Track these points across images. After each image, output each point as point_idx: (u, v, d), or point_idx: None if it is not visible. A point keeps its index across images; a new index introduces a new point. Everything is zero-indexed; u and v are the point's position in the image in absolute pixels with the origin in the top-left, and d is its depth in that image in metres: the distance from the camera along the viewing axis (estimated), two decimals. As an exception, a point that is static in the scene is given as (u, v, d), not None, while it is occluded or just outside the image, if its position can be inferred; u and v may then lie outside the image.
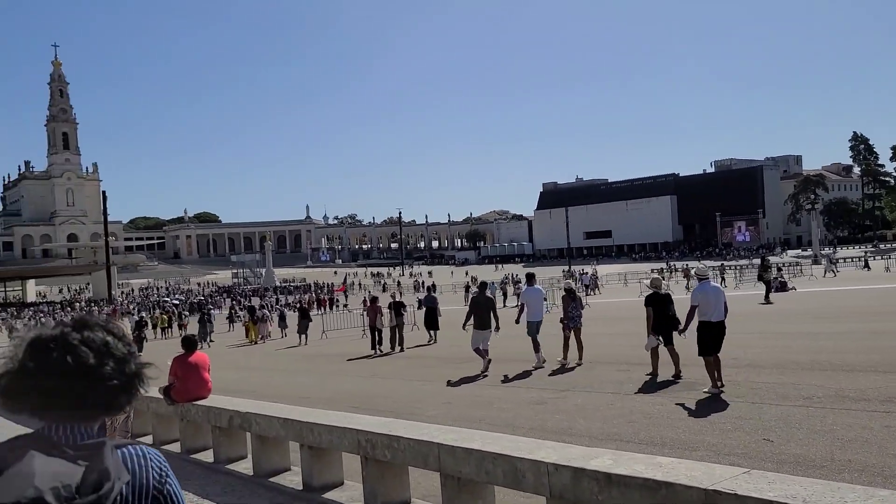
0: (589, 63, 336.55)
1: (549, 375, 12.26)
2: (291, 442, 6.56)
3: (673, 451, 6.52)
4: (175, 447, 8.51)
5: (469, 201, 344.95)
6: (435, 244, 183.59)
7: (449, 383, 12.38)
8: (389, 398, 11.67)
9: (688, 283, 37.18)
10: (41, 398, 1.40)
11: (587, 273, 59.51)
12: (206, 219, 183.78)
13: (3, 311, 69.06)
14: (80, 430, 1.44)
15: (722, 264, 66.65)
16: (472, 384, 12.24)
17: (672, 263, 79.18)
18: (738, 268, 58.93)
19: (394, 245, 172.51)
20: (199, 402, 7.58)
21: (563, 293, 14.06)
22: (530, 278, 14.67)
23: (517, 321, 13.69)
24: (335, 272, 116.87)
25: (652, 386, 10.40)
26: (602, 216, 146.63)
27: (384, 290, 66.37)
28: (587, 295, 41.88)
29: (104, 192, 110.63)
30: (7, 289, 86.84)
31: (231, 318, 44.73)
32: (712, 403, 8.77)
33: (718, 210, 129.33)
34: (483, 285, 15.81)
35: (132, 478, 1.43)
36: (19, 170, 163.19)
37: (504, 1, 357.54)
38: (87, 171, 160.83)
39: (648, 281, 12.25)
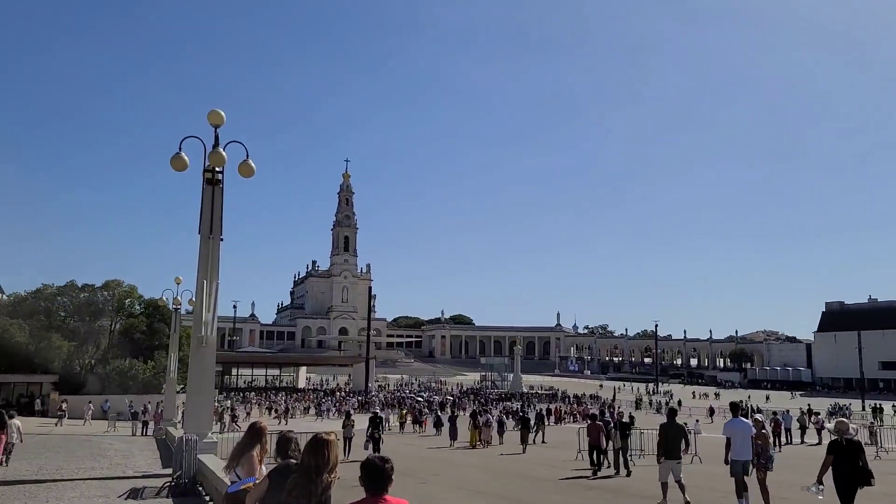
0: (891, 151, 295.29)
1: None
2: None
3: None
4: None
5: (733, 318, 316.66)
6: (693, 362, 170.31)
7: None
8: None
9: None
10: None
11: None
12: (460, 321, 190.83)
13: (273, 395, 75.17)
14: None
15: None
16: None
17: None
18: None
19: (647, 360, 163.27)
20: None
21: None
22: (734, 409, 13.38)
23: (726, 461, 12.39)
24: (600, 385, 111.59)
25: None
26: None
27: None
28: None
29: (370, 289, 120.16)
30: (282, 373, 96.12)
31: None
32: None
33: None
34: (673, 412, 14.27)
35: None
36: (307, 269, 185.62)
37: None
38: (361, 271, 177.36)
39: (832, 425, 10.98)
